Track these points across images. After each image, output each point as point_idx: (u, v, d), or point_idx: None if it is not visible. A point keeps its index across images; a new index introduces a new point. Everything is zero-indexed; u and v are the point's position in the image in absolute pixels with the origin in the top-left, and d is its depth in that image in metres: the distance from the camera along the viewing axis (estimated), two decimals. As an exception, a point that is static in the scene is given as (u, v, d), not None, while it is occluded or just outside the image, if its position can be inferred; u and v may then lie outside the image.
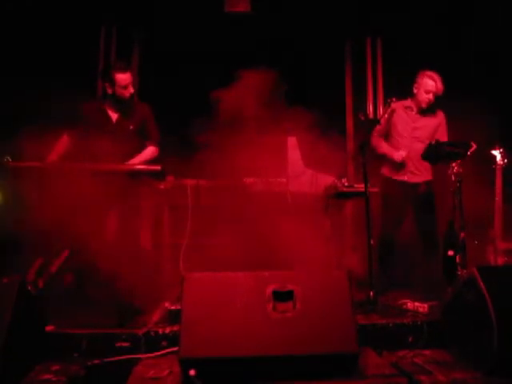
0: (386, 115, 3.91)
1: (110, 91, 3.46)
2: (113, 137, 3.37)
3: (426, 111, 3.92)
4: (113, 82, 3.42)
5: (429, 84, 3.80)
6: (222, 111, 3.96)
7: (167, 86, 5.07)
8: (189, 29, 5.14)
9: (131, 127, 3.56)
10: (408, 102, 3.96)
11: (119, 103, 3.52)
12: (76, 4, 4.84)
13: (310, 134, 4.15)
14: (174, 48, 5.11)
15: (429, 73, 3.82)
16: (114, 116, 3.58)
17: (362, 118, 4.01)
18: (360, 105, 5.56)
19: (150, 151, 3.66)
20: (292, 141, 4.33)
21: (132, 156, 3.51)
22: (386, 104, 3.79)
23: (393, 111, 3.93)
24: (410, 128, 3.93)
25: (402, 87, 4.24)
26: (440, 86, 3.80)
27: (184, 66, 5.08)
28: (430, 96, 3.83)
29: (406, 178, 3.94)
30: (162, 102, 4.76)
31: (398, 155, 3.83)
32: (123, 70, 3.46)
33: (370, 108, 5.57)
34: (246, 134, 3.90)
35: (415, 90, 3.91)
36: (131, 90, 3.50)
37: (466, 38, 5.00)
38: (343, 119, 5.60)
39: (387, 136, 4.02)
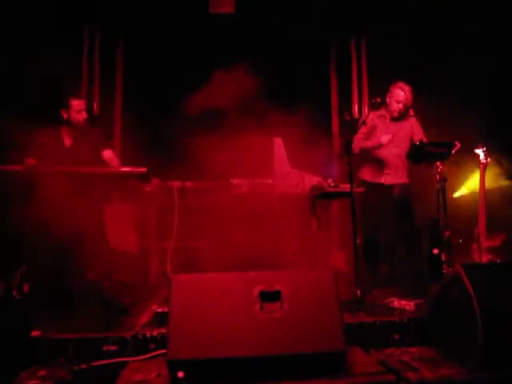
0: (365, 128, 4.03)
1: (65, 116, 3.69)
2: (66, 161, 3.52)
3: (398, 119, 4.07)
4: (68, 108, 3.68)
5: (400, 95, 3.98)
6: (207, 112, 3.96)
7: (151, 87, 5.05)
8: (173, 30, 5.13)
9: (84, 154, 3.66)
10: (381, 112, 4.11)
11: (74, 128, 3.71)
12: (58, 4, 4.79)
13: (295, 135, 4.17)
14: (159, 49, 5.09)
15: (400, 84, 3.99)
16: (67, 141, 3.74)
17: (348, 118, 4.02)
18: (345, 105, 5.59)
19: (112, 158, 3.75)
20: (278, 141, 4.35)
21: None
22: (372, 104, 3.86)
23: (371, 120, 4.08)
24: (385, 133, 4.02)
25: (386, 87, 4.28)
26: (409, 96, 3.98)
27: (168, 68, 5.06)
28: (400, 105, 3.99)
29: (382, 181, 4.04)
30: (147, 104, 4.76)
31: (385, 137, 3.93)
32: (78, 97, 3.81)
33: (356, 108, 5.61)
34: (231, 135, 3.90)
35: (388, 100, 4.05)
36: (84, 114, 3.73)
37: (447, 38, 5.06)
38: (329, 119, 5.63)
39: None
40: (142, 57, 5.20)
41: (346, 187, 3.69)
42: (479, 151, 3.99)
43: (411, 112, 3.95)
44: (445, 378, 2.29)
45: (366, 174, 4.12)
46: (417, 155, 3.73)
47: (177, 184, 4.01)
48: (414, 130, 4.08)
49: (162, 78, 5.08)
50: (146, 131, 4.24)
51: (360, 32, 5.64)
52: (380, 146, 3.97)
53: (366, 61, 5.68)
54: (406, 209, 4.02)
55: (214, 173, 4.02)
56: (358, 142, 4.01)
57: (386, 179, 4.05)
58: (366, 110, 5.50)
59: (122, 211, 4.11)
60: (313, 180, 4.19)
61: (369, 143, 4.05)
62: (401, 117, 4.06)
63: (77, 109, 3.69)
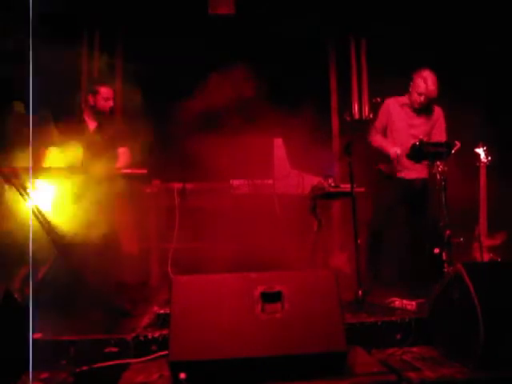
0: (380, 111, 3.94)
1: (91, 102, 3.64)
2: (89, 145, 3.50)
3: (423, 110, 3.91)
4: (96, 94, 3.62)
5: (420, 86, 3.78)
6: (207, 113, 3.96)
7: (151, 88, 5.04)
8: (173, 30, 5.13)
9: (106, 138, 3.65)
10: (404, 99, 3.95)
11: (98, 115, 3.67)
12: (58, 4, 4.79)
13: (295, 135, 4.17)
14: (158, 50, 5.09)
15: (424, 73, 3.78)
16: (91, 125, 3.69)
17: (348, 118, 4.02)
18: (345, 105, 5.59)
19: (123, 155, 3.71)
20: (278, 142, 4.35)
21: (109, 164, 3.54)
22: (372, 104, 3.82)
23: (387, 108, 3.95)
24: (406, 125, 3.94)
25: (386, 87, 4.28)
26: (432, 88, 3.75)
27: (168, 69, 5.06)
28: (422, 98, 3.81)
29: (402, 175, 3.97)
30: (147, 105, 4.75)
31: (394, 151, 3.81)
32: (107, 84, 3.72)
33: (356, 108, 5.61)
34: (231, 136, 3.91)
35: (410, 89, 3.89)
36: (111, 103, 3.68)
37: (448, 39, 5.06)
38: (329, 119, 5.63)
39: (385, 132, 4.03)
40: (141, 58, 5.20)
41: (346, 187, 3.68)
42: (480, 150, 3.99)
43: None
44: (446, 377, 2.29)
45: (385, 166, 4.02)
46: (417, 155, 3.72)
47: (177, 185, 4.01)
48: (436, 125, 3.94)
49: (162, 79, 5.08)
50: (146, 133, 4.23)
51: (360, 32, 5.64)
52: (386, 152, 3.86)
53: (365, 61, 5.68)
54: (422, 205, 3.96)
55: (214, 174, 4.02)
56: (374, 134, 3.95)
57: (405, 173, 3.96)
58: (367, 110, 5.50)
59: (123, 213, 4.11)
60: (313, 180, 4.19)
61: (382, 143, 3.94)
62: (425, 109, 3.90)
63: (105, 96, 3.63)
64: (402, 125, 3.94)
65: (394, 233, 4.07)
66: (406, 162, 3.92)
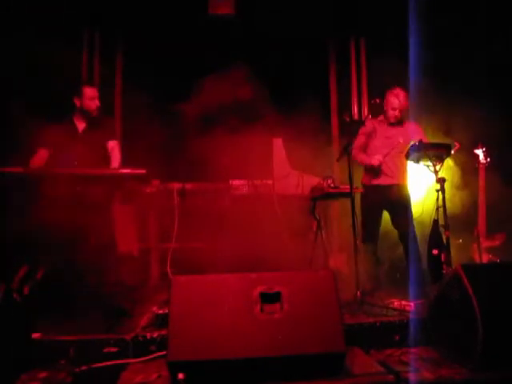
0: (360, 131, 4.07)
1: (78, 104, 3.72)
2: (79, 146, 3.59)
3: (395, 123, 4.12)
4: (81, 95, 3.70)
5: (394, 102, 4.02)
6: (207, 114, 3.96)
7: (151, 88, 5.05)
8: (173, 30, 5.13)
9: (96, 141, 3.71)
10: (381, 117, 4.18)
11: (86, 115, 3.73)
12: (57, 8, 4.79)
13: (295, 136, 4.18)
14: (159, 50, 5.09)
15: (394, 91, 4.04)
16: (80, 126, 3.75)
17: (347, 119, 4.04)
18: (345, 106, 5.59)
19: (114, 149, 3.76)
20: (277, 142, 4.36)
21: (99, 164, 3.59)
22: (371, 105, 3.86)
23: (368, 127, 4.12)
24: (383, 137, 4.10)
25: (386, 87, 4.28)
26: (404, 102, 4.03)
27: (168, 69, 5.06)
28: (396, 112, 4.04)
29: (379, 182, 4.03)
30: (147, 105, 4.77)
31: (375, 159, 3.98)
32: (90, 85, 3.87)
33: (355, 109, 5.61)
34: (231, 136, 3.91)
35: (384, 107, 4.10)
36: (97, 103, 3.74)
37: (448, 38, 5.06)
38: (328, 120, 5.63)
39: (365, 148, 4.16)
40: (141, 58, 5.21)
41: (345, 188, 3.70)
42: (479, 151, 4.00)
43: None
44: (445, 378, 2.30)
45: (366, 178, 4.16)
46: (416, 156, 3.73)
47: (177, 185, 4.02)
48: (413, 134, 4.07)
49: (162, 79, 5.08)
50: (146, 133, 4.24)
51: (359, 32, 5.65)
52: (372, 166, 4.00)
53: (365, 61, 5.69)
54: (402, 210, 4.01)
55: (213, 174, 4.03)
56: (356, 152, 4.04)
57: (382, 180, 4.06)
58: (366, 110, 5.50)
59: (122, 213, 4.12)
60: (312, 181, 4.20)
61: (363, 158, 4.08)
62: (398, 122, 4.10)
63: (90, 96, 3.70)
64: (380, 137, 4.12)
65: (386, 234, 4.11)
66: (385, 168, 3.99)
